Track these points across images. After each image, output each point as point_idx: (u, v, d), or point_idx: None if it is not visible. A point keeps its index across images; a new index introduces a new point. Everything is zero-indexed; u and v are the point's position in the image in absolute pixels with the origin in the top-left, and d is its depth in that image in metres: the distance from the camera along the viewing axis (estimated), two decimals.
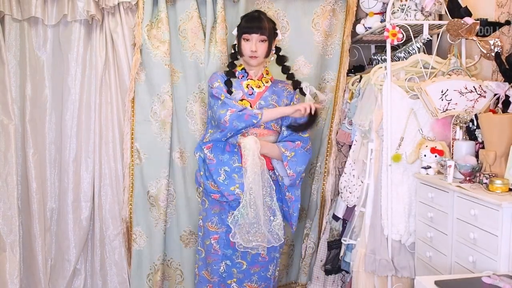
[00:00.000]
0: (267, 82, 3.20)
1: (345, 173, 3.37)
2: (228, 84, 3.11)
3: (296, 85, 3.21)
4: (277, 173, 3.12)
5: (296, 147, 3.08)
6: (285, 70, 3.25)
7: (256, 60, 3.10)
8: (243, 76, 3.18)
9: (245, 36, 3.06)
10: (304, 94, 3.18)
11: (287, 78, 3.25)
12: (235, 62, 3.19)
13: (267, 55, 3.12)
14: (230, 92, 3.08)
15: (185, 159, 3.52)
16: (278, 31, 3.18)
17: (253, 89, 3.15)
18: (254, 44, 3.04)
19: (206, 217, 3.13)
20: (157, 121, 3.46)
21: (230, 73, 3.15)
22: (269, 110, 3.06)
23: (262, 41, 3.06)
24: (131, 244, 3.53)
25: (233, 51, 3.21)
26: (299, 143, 3.10)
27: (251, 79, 3.17)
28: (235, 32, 3.17)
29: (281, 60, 3.24)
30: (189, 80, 3.47)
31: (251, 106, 3.09)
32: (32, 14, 3.35)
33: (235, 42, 3.18)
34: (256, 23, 3.05)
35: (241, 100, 3.10)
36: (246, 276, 3.10)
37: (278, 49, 3.22)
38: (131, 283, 3.56)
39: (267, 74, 3.22)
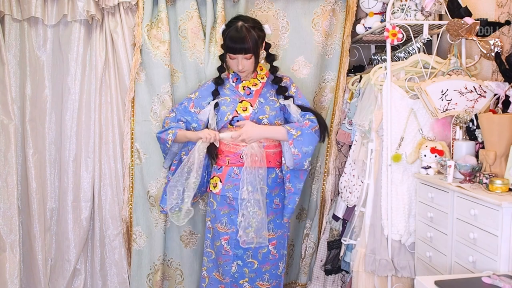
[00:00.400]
0: (262, 78, 3.17)
1: (345, 173, 3.37)
2: (215, 94, 3.14)
3: (282, 91, 3.13)
4: (283, 162, 3.11)
5: (303, 126, 3.06)
6: (273, 70, 3.18)
7: (243, 74, 3.10)
8: (237, 79, 3.16)
9: (229, 55, 3.01)
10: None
11: (273, 81, 3.17)
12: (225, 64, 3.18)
13: (256, 66, 3.08)
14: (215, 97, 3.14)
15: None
16: (266, 27, 3.10)
17: (250, 88, 3.14)
18: (240, 63, 3.00)
19: (215, 218, 3.12)
20: (157, 121, 3.45)
21: (218, 81, 3.17)
22: (180, 133, 3.10)
23: (248, 58, 3.00)
24: (131, 244, 3.53)
25: (221, 52, 3.19)
26: (306, 123, 3.08)
27: (246, 80, 3.16)
28: (220, 30, 3.12)
29: (270, 58, 3.17)
30: (189, 80, 3.47)
31: (251, 106, 3.08)
32: (32, 14, 3.35)
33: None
34: (239, 44, 2.94)
35: (241, 102, 3.09)
36: (258, 275, 3.11)
37: (268, 46, 3.17)
38: (131, 283, 3.55)
39: (261, 70, 3.19)
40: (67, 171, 3.49)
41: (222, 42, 3.11)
